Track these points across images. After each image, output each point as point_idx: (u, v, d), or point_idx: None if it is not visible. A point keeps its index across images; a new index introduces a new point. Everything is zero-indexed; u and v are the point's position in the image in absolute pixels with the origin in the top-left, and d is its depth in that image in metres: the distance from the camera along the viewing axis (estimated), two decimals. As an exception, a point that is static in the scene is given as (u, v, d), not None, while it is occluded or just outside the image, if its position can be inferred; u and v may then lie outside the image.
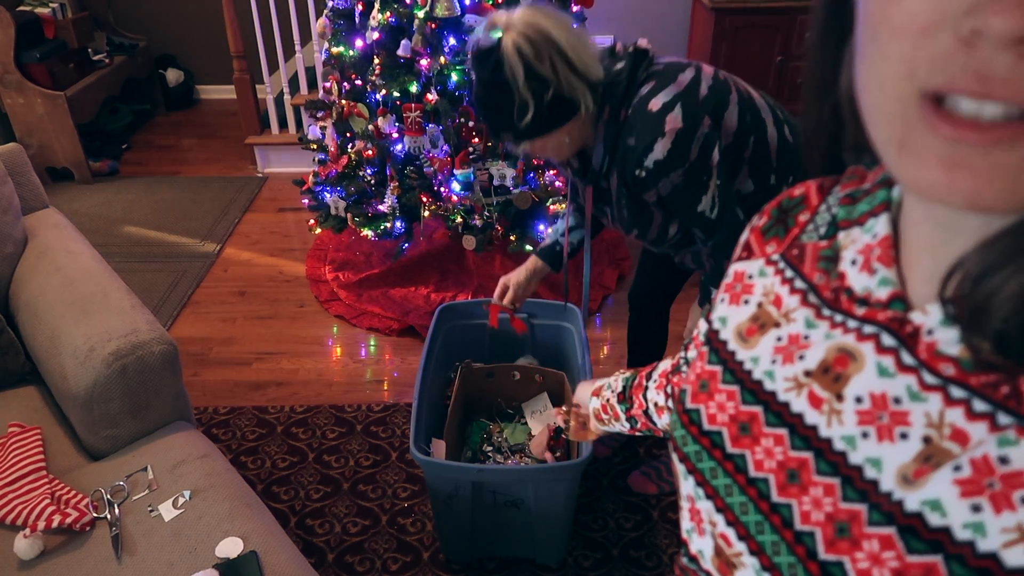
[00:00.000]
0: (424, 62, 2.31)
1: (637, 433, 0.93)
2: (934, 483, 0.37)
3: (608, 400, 0.95)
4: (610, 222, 1.55)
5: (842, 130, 0.44)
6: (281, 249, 3.16)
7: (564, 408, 1.16)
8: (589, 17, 2.63)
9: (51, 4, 3.73)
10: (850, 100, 0.40)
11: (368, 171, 2.54)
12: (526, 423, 1.97)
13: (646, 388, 0.88)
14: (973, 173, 0.31)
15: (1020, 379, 0.35)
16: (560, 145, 1.37)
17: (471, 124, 2.38)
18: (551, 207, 2.45)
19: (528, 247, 2.53)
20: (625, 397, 0.92)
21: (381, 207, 2.55)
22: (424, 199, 2.49)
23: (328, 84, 2.66)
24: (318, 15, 2.76)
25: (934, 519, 0.36)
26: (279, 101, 3.75)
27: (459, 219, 2.47)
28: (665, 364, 0.86)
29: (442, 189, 2.48)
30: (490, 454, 1.89)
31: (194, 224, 3.34)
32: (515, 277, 1.73)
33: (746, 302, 0.52)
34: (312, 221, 2.83)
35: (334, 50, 2.56)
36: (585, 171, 1.47)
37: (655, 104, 1.29)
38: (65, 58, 3.68)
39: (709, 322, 0.55)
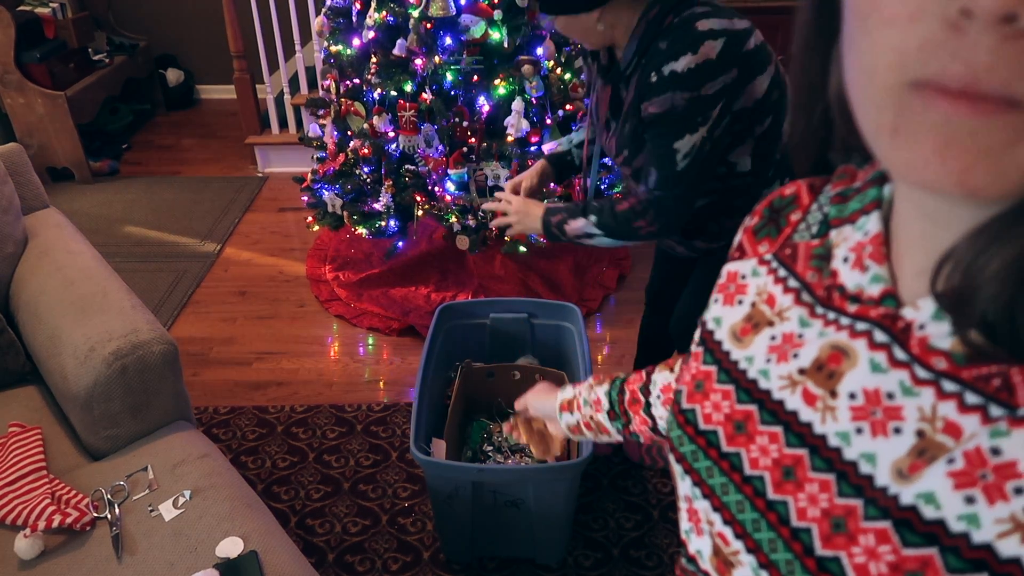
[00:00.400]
0: (419, 61, 2.31)
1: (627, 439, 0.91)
2: (928, 476, 0.37)
3: (592, 417, 0.89)
4: (606, 139, 1.50)
5: (831, 133, 0.44)
6: (281, 249, 3.16)
7: (510, 421, 1.06)
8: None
9: (51, 4, 3.73)
10: (840, 101, 0.40)
11: (365, 169, 2.54)
12: (526, 423, 1.97)
13: (647, 404, 0.84)
14: (964, 151, 0.31)
15: (1011, 371, 0.35)
16: (590, 29, 1.33)
17: (465, 124, 2.38)
18: None
19: (522, 248, 2.53)
20: (617, 414, 0.87)
21: (376, 205, 2.55)
22: (418, 198, 2.49)
23: (327, 82, 2.66)
24: (318, 14, 2.76)
25: (929, 512, 0.36)
26: (279, 101, 3.75)
27: (454, 219, 2.47)
28: (664, 377, 0.83)
29: (436, 189, 2.48)
30: (490, 454, 1.89)
31: (194, 224, 3.34)
32: (527, 181, 1.67)
33: (740, 302, 0.52)
34: (310, 218, 2.83)
35: (332, 48, 2.56)
36: (609, 69, 1.44)
37: (703, 25, 1.27)
38: (65, 58, 3.68)
39: (703, 323, 0.55)
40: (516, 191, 1.66)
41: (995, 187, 0.32)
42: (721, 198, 1.46)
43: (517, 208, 1.55)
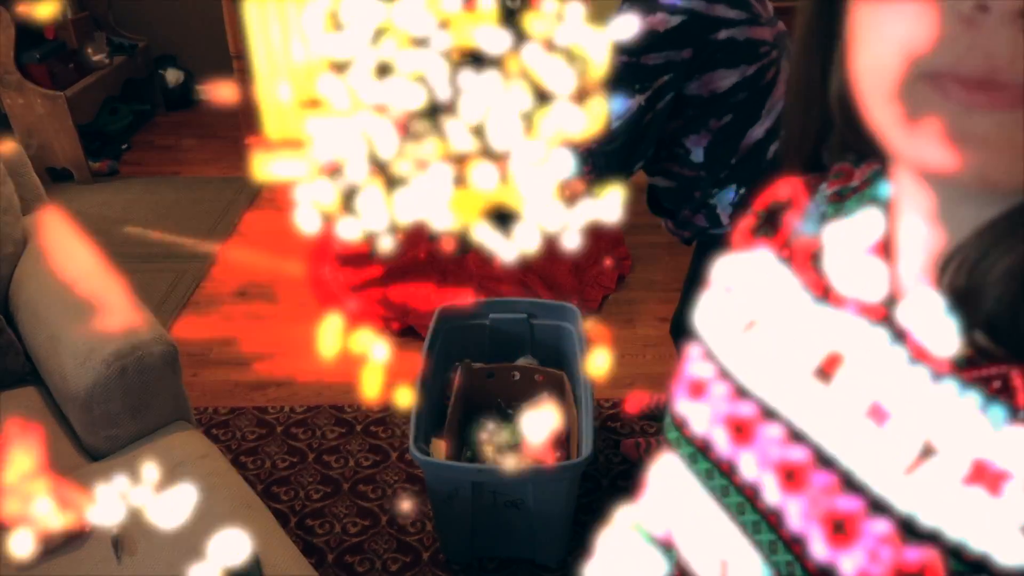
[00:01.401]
0: (409, 61, 2.31)
1: None
2: (929, 477, 0.37)
3: None
4: None
5: (828, 132, 0.44)
6: (281, 249, 3.15)
7: None
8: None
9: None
10: (841, 100, 0.40)
11: (357, 167, 2.54)
12: (526, 423, 1.97)
13: None
14: (984, 143, 0.31)
15: (1011, 373, 0.35)
16: None
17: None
18: None
19: None
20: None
21: (366, 203, 2.55)
22: None
23: (324, 79, 2.67)
24: (317, 12, 2.76)
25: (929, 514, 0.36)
26: (279, 101, 3.74)
27: None
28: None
29: None
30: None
31: (194, 224, 3.34)
32: None
33: (734, 302, 0.52)
34: (307, 214, 2.82)
35: (329, 47, 2.57)
36: None
37: None
38: (65, 58, 3.68)
39: (697, 324, 0.55)
40: None
41: (1015, 179, 0.31)
42: (679, 183, 1.48)
43: None
